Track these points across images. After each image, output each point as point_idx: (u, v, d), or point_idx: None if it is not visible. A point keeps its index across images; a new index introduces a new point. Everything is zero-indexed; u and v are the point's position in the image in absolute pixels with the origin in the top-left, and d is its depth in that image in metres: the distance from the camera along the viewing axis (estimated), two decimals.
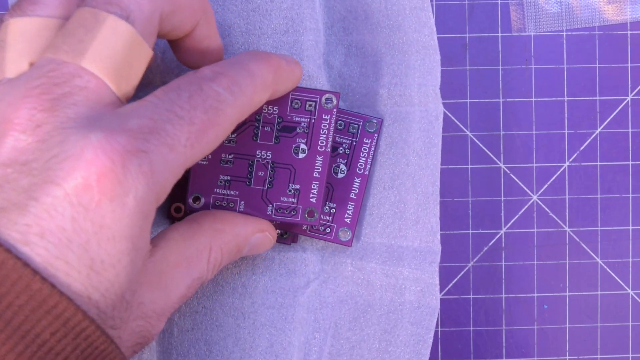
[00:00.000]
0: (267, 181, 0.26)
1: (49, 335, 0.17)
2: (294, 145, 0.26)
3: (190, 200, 0.26)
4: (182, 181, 0.27)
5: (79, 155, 0.18)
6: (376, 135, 0.28)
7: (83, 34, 0.20)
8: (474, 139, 0.31)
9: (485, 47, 0.31)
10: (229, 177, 0.26)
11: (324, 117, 0.26)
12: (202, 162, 0.26)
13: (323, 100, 0.26)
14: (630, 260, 0.32)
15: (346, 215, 0.28)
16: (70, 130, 0.18)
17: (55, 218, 0.17)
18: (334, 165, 0.28)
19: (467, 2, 0.31)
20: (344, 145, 0.28)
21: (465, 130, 0.31)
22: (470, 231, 0.31)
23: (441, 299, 0.31)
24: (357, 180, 0.28)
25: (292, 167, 0.26)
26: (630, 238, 0.32)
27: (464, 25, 0.31)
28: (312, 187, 0.26)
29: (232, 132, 0.26)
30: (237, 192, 0.26)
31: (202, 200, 0.26)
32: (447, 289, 0.31)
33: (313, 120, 0.26)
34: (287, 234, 0.28)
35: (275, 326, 0.28)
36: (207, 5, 0.24)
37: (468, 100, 0.31)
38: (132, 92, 0.21)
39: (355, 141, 0.28)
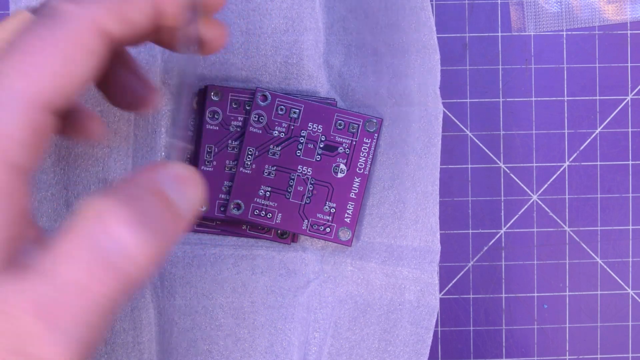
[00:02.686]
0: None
1: None
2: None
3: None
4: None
5: None
6: (376, 135, 0.28)
7: None
8: (474, 138, 0.31)
9: (485, 47, 0.31)
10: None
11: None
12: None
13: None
14: (630, 260, 0.32)
15: (346, 215, 0.28)
16: None
17: None
18: (333, 165, 0.28)
19: (467, 2, 0.31)
20: (344, 145, 0.28)
21: (465, 130, 0.31)
22: (470, 231, 0.31)
23: (441, 299, 0.31)
24: (357, 180, 0.28)
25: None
26: (630, 238, 0.32)
27: (464, 25, 0.31)
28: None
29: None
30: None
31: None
32: (447, 288, 0.31)
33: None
34: (287, 234, 0.28)
35: (275, 326, 0.28)
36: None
37: (468, 100, 0.31)
38: None
39: (355, 141, 0.28)
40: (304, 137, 0.27)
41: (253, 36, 0.28)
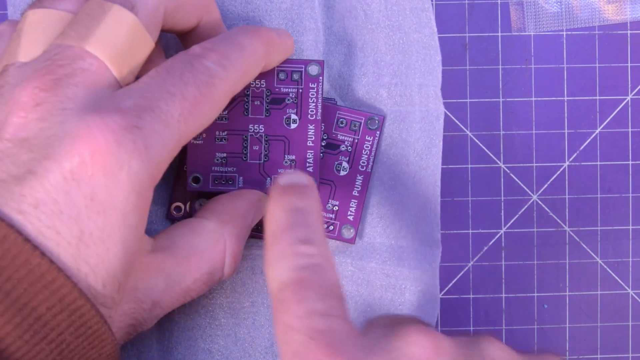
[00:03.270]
0: (262, 154, 0.27)
1: (45, 310, 0.18)
2: (285, 117, 0.27)
3: (190, 181, 0.26)
4: (182, 181, 0.27)
5: (76, 135, 0.19)
6: (378, 132, 0.28)
7: (89, 21, 0.21)
8: (474, 138, 0.31)
9: (485, 47, 0.31)
10: (225, 154, 0.27)
11: (310, 85, 0.27)
12: (197, 142, 0.26)
13: (308, 69, 0.27)
14: (630, 260, 0.32)
15: (349, 213, 0.28)
16: (68, 112, 0.19)
17: (50, 191, 0.18)
18: (336, 162, 0.28)
19: (467, 2, 0.31)
20: (346, 143, 0.28)
21: (465, 130, 0.31)
22: (470, 231, 0.31)
23: (441, 299, 0.31)
24: (359, 177, 0.28)
25: (286, 138, 0.27)
26: (630, 238, 0.32)
27: (464, 25, 0.31)
28: (308, 156, 0.27)
29: (224, 110, 0.26)
30: (234, 169, 0.27)
31: (202, 179, 0.26)
32: (447, 288, 0.31)
33: (301, 90, 0.27)
34: None
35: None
36: (210, 2, 0.24)
37: (468, 100, 0.31)
38: (132, 79, 0.22)
39: (357, 139, 0.28)
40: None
41: None
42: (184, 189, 0.28)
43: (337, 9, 0.28)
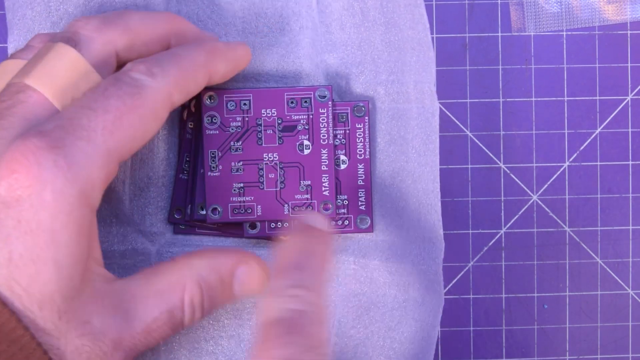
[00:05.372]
0: (278, 182, 0.27)
1: None
2: (297, 143, 0.27)
3: (210, 212, 0.27)
4: (184, 185, 0.28)
5: (2, 160, 0.19)
6: (367, 117, 0.28)
7: (34, 60, 0.22)
8: (474, 139, 0.31)
9: (485, 47, 0.31)
10: (242, 184, 0.27)
11: (320, 110, 0.27)
12: (214, 174, 0.27)
13: (317, 95, 0.27)
14: (630, 260, 0.32)
15: (360, 203, 0.28)
16: (2, 140, 0.20)
17: None
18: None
19: (467, 2, 0.31)
20: (338, 136, 0.28)
21: (465, 130, 0.31)
22: (470, 231, 0.31)
23: None
24: (360, 166, 0.28)
25: (300, 165, 0.27)
26: (630, 238, 0.32)
27: (464, 25, 0.31)
28: (323, 180, 0.27)
29: (237, 140, 0.27)
30: (252, 198, 0.27)
31: (221, 210, 0.27)
32: (447, 288, 0.31)
33: (311, 116, 0.27)
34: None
35: None
36: (177, 27, 0.25)
37: (468, 100, 0.31)
38: None
39: (348, 129, 0.28)
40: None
41: (250, 35, 0.28)
42: (184, 192, 0.28)
43: (334, 7, 0.29)
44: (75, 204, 0.20)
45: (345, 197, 0.28)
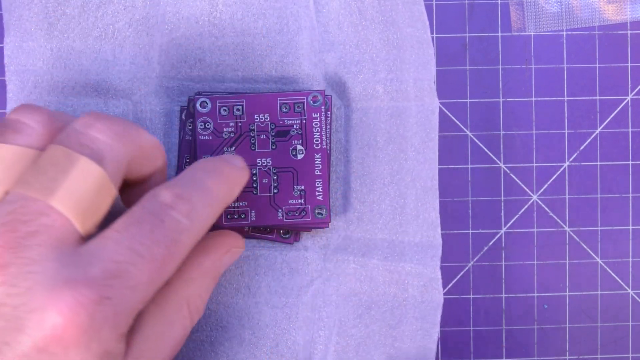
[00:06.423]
0: (272, 187, 0.27)
1: None
2: (291, 148, 0.27)
3: None
4: None
5: (45, 308, 0.18)
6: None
7: (54, 172, 0.20)
8: (474, 139, 0.31)
9: (485, 47, 0.31)
10: None
11: (313, 115, 0.27)
12: None
13: (310, 100, 0.27)
14: (630, 260, 0.32)
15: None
16: (36, 277, 0.19)
17: None
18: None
19: (467, 2, 0.31)
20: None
21: (465, 130, 0.31)
22: (470, 231, 0.31)
23: None
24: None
25: (294, 169, 0.27)
26: (630, 238, 0.32)
27: (464, 25, 0.31)
28: (317, 185, 0.27)
29: (231, 146, 0.27)
30: (246, 203, 0.27)
31: None
32: (447, 288, 0.31)
33: (304, 121, 0.27)
34: (290, 234, 0.28)
35: (279, 326, 0.28)
36: (164, 156, 0.24)
37: (468, 100, 0.31)
38: (94, 230, 0.21)
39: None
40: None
41: (248, 37, 0.28)
42: None
43: (331, 6, 0.29)
44: (114, 344, 0.19)
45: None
